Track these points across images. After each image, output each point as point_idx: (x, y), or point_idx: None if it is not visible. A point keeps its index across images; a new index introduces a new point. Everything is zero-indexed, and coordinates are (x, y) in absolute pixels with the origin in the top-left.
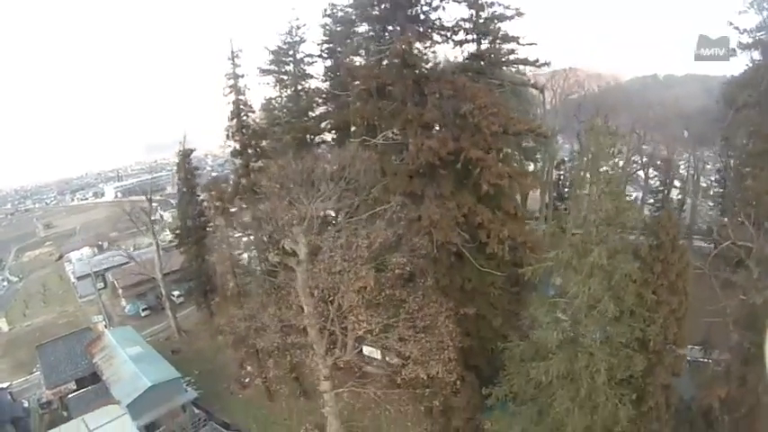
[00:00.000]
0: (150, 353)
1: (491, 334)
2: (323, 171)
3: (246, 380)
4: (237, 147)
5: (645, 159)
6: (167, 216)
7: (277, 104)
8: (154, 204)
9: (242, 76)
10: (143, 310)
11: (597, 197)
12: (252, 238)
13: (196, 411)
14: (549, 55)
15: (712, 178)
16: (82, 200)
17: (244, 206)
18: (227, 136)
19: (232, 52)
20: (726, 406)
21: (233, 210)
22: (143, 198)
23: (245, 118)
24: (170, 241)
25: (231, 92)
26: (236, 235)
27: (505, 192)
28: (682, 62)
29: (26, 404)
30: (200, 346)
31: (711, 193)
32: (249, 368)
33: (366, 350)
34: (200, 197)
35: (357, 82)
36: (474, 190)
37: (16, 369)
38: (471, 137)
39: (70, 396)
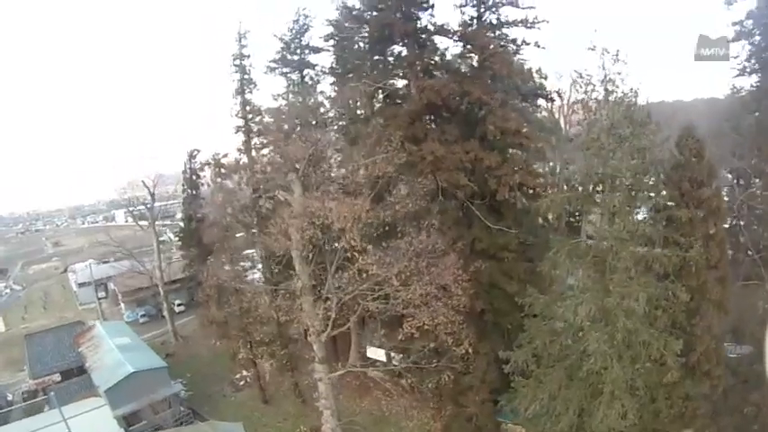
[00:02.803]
0: (139, 344)
1: (506, 306)
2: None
3: (241, 383)
4: (240, 123)
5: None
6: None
7: (284, 99)
8: (162, 228)
9: (248, 56)
10: (141, 316)
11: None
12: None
13: (182, 409)
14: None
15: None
16: (92, 223)
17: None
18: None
19: (239, 33)
20: None
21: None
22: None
23: (248, 96)
24: (176, 259)
25: (237, 71)
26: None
27: (514, 143)
28: (687, 88)
29: (10, 397)
30: (197, 351)
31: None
32: (241, 353)
33: (370, 353)
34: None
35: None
36: (481, 142)
37: (8, 365)
38: (474, 81)
39: (53, 387)
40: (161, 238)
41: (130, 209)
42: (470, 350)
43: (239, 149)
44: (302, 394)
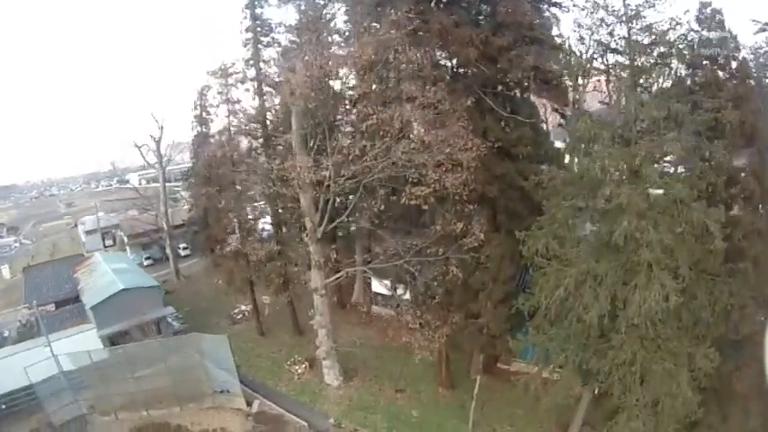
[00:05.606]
0: (135, 268)
1: (521, 208)
2: None
3: (239, 317)
4: (249, 36)
5: None
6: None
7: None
8: (175, 188)
9: None
10: (146, 259)
11: None
12: None
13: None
14: None
15: None
16: (106, 187)
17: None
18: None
19: None
20: None
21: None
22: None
23: (258, 11)
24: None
25: None
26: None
27: (527, 37)
28: None
29: (6, 333)
30: (197, 289)
31: None
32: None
33: (375, 287)
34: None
35: None
36: (494, 30)
37: (8, 306)
38: None
39: (46, 315)
40: (172, 196)
41: (139, 147)
42: (482, 237)
43: (247, 61)
44: (299, 327)
